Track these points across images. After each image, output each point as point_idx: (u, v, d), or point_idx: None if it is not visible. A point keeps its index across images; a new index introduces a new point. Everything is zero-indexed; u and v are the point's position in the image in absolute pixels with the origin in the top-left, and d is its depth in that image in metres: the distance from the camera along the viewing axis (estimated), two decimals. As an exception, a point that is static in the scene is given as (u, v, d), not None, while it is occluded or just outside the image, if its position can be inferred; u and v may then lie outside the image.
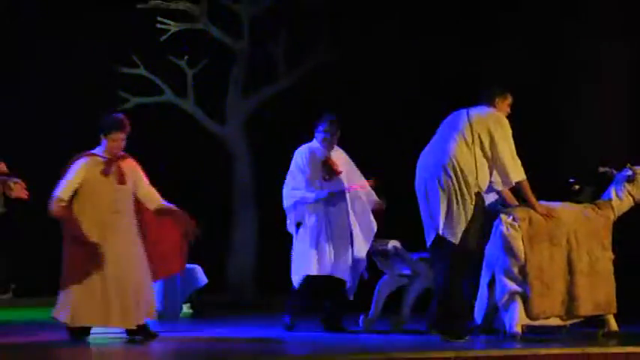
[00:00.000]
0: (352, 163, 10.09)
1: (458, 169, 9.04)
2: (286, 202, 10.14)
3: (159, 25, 13.44)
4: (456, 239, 9.00)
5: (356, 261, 10.01)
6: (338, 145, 10.00)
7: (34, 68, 13.62)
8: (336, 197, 9.94)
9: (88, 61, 13.42)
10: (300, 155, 9.97)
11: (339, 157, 10.01)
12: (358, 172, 10.04)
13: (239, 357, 8.31)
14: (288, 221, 10.30)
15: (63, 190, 9.03)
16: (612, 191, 9.68)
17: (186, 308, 11.52)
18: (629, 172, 9.60)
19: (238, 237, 13.95)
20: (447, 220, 9.09)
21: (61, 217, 9.17)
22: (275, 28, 14.10)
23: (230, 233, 13.99)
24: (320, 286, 10.05)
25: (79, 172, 9.13)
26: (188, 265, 10.22)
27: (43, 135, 13.41)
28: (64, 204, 9.09)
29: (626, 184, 9.67)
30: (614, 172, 9.71)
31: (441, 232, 9.06)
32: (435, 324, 9.21)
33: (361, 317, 10.01)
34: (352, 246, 10.00)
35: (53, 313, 9.14)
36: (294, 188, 9.99)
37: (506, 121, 9.12)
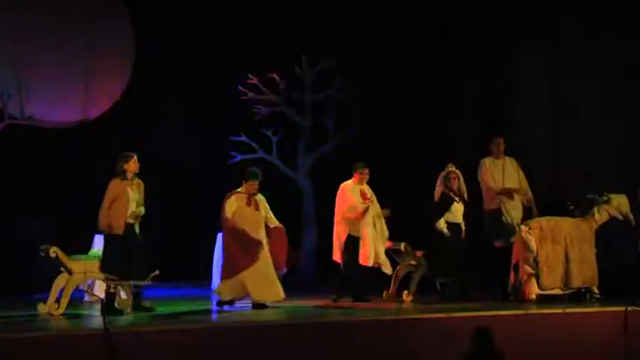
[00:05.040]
0: (372, 191, 11.33)
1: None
2: (341, 216, 11.16)
3: (254, 110, 15.27)
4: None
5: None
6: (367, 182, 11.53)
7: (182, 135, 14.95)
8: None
9: (212, 132, 15.00)
10: (345, 188, 11.31)
11: (367, 188, 11.42)
12: (375, 198, 11.33)
13: (307, 312, 9.84)
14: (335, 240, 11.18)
15: (228, 212, 10.45)
16: (595, 210, 10.91)
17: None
18: (606, 198, 10.81)
19: (306, 242, 15.42)
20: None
21: (230, 227, 10.27)
22: (325, 110, 15.70)
23: (300, 240, 15.22)
24: (360, 272, 11.18)
25: (233, 202, 10.47)
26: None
27: (191, 176, 14.80)
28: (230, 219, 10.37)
29: (604, 205, 10.91)
30: (598, 197, 10.82)
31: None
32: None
33: (384, 292, 11.42)
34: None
35: (219, 295, 10.35)
36: (349, 209, 11.10)
37: (484, 165, 10.96)
